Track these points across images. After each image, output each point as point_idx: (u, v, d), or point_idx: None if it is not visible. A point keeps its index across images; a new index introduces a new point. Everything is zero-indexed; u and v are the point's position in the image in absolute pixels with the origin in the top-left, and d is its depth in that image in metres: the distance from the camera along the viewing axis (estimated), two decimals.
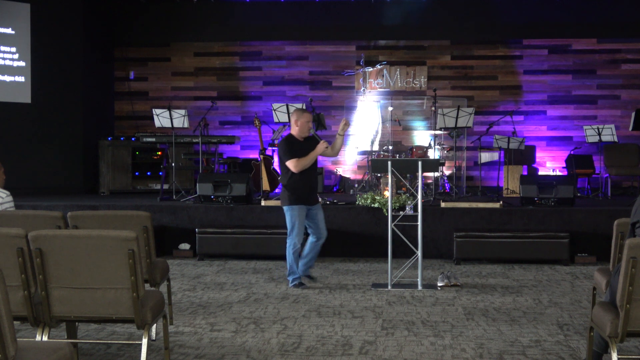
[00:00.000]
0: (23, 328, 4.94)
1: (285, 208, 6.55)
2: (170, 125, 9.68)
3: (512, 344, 4.68)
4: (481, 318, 5.38)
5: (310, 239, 6.73)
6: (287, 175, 6.51)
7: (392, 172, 6.69)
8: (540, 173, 11.56)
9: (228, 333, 4.95)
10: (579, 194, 10.03)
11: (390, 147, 10.53)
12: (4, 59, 10.71)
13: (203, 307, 5.78)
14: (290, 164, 6.42)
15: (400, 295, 6.24)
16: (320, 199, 6.93)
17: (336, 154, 6.84)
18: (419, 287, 6.48)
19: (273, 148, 11.11)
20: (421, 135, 12.00)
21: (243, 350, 4.52)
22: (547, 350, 4.51)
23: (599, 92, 12.03)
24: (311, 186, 6.63)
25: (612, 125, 10.25)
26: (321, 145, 6.48)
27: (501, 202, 8.59)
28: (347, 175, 11.97)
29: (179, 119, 9.62)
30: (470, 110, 9.76)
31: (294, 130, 6.57)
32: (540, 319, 5.37)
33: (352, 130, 12.11)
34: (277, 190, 10.78)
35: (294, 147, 6.48)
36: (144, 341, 3.78)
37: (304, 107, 9.80)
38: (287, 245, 6.52)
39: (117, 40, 12.43)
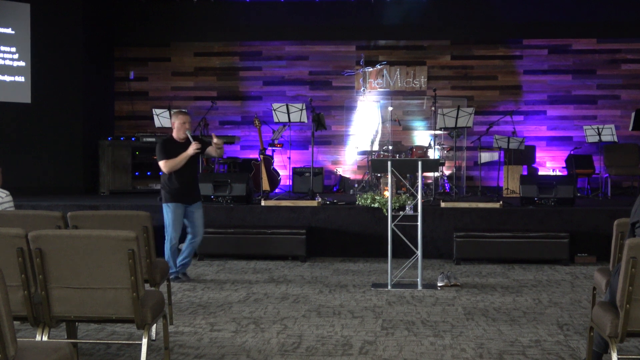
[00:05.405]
0: (23, 328, 4.94)
1: (163, 205, 6.85)
2: (170, 125, 9.66)
3: (512, 344, 4.68)
4: (481, 318, 5.38)
5: (188, 237, 7.01)
6: (165, 175, 6.80)
7: (392, 172, 6.69)
8: (540, 173, 11.56)
9: (228, 333, 4.95)
10: (579, 194, 10.03)
11: (390, 147, 10.53)
12: (4, 59, 10.71)
13: (203, 307, 5.78)
14: (162, 164, 6.74)
15: (400, 295, 6.24)
16: (201, 199, 7.24)
17: (220, 155, 7.20)
18: (419, 287, 6.48)
19: (273, 148, 11.13)
20: (421, 135, 12.00)
21: (243, 350, 4.52)
22: (547, 350, 4.51)
23: (599, 92, 12.03)
24: (188, 186, 6.87)
25: (612, 125, 10.25)
26: (191, 148, 6.70)
27: (501, 202, 8.59)
28: (347, 175, 11.97)
29: None
30: (470, 110, 9.76)
31: (173, 132, 6.85)
32: (540, 319, 5.37)
33: (352, 130, 12.14)
34: (277, 190, 10.80)
35: (169, 148, 6.76)
36: (144, 341, 3.78)
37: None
38: (165, 240, 6.84)
39: (117, 40, 12.42)
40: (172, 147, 6.73)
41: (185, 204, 6.83)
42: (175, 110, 7.06)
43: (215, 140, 6.80)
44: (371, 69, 11.99)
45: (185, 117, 6.82)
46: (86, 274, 3.67)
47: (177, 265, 6.91)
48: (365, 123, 11.71)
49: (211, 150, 6.91)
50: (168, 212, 6.79)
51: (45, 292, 3.69)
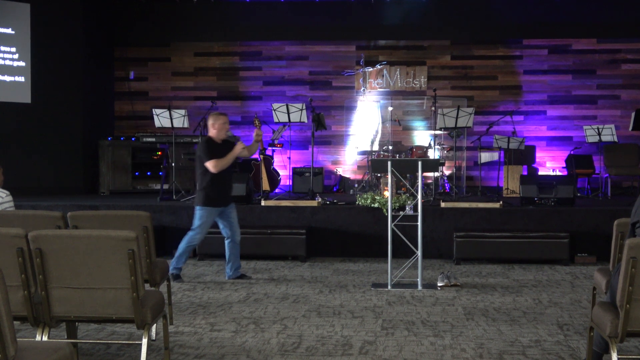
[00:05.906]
0: (23, 328, 4.94)
1: (197, 207, 6.85)
2: (170, 125, 9.68)
3: (512, 344, 4.68)
4: (481, 318, 5.38)
5: (227, 241, 7.02)
6: (204, 177, 6.79)
7: (392, 172, 6.69)
8: (540, 173, 11.56)
9: (228, 333, 4.95)
10: (579, 194, 10.03)
11: (390, 147, 10.53)
12: (4, 59, 10.71)
13: (203, 307, 5.78)
14: (210, 165, 6.70)
15: (400, 295, 6.24)
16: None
17: (251, 154, 7.27)
18: (419, 287, 6.48)
19: (273, 148, 11.14)
20: (421, 135, 12.00)
21: (243, 350, 4.52)
22: (547, 350, 4.51)
23: (599, 92, 12.03)
24: (226, 188, 6.95)
25: (612, 125, 10.25)
26: (239, 146, 6.80)
27: (501, 202, 8.59)
28: (347, 175, 11.97)
29: (179, 119, 9.62)
30: (470, 110, 9.76)
31: (212, 133, 6.87)
32: (540, 319, 5.37)
33: (352, 130, 12.14)
34: (277, 190, 10.80)
35: (213, 148, 6.77)
36: (144, 341, 3.78)
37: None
38: (187, 236, 6.87)
39: (117, 40, 12.43)
40: (215, 148, 6.79)
41: (221, 207, 6.86)
42: (214, 112, 7.10)
43: (256, 136, 7.06)
44: (371, 69, 11.99)
45: (225, 118, 6.92)
46: (86, 274, 3.67)
47: (231, 273, 7.00)
48: (365, 123, 11.71)
49: (245, 151, 7.00)
50: (202, 215, 6.80)
51: (45, 292, 3.69)
